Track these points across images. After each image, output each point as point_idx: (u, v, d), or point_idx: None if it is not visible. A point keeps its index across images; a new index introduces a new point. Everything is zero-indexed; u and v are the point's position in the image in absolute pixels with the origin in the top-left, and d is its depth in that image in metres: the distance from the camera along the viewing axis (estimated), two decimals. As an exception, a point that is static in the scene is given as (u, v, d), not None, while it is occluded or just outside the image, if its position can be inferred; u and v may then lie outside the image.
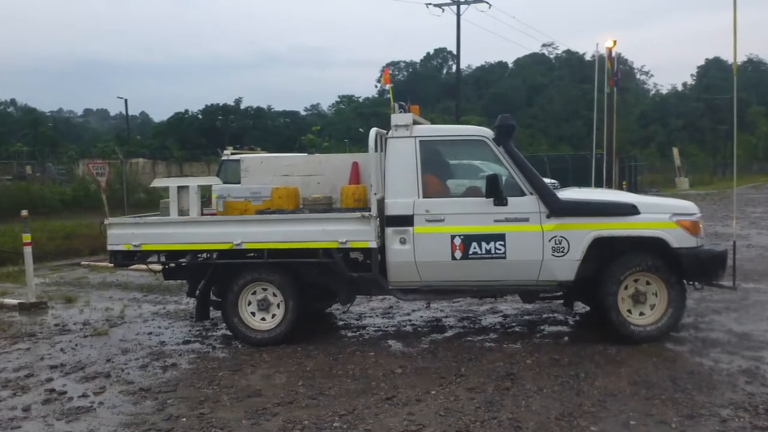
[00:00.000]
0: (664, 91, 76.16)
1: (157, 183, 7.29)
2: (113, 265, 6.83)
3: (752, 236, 13.14)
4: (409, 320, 7.16)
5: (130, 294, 9.25)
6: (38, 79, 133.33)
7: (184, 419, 4.48)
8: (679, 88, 73.62)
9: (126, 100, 50.53)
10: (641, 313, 5.87)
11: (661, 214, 5.88)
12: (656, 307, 5.85)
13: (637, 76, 78.58)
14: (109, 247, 6.37)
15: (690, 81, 73.75)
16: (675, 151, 40.38)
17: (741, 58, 70.98)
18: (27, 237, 8.38)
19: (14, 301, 8.38)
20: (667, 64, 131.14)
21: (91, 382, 5.35)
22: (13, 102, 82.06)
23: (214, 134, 51.32)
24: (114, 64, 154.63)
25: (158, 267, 6.83)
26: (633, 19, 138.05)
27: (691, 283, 6.03)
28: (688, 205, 6.10)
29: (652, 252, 5.84)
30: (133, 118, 71.40)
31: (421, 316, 7.31)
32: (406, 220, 5.93)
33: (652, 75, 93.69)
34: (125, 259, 6.45)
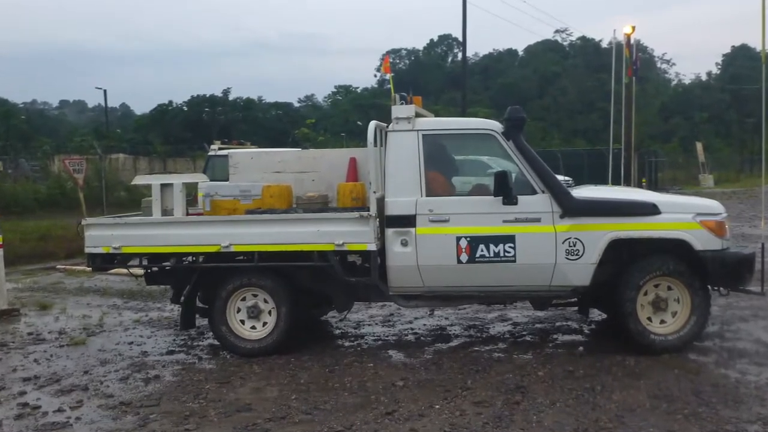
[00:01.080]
0: (687, 81, 76.15)
1: (139, 180, 7.31)
2: (91, 269, 6.87)
3: (782, 238, 13.12)
4: (411, 329, 7.17)
5: (109, 300, 9.26)
6: (9, 67, 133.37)
7: (168, 436, 4.49)
8: (704, 77, 73.59)
9: (105, 91, 50.66)
10: (662, 321, 5.88)
11: (684, 214, 5.88)
12: (678, 315, 5.86)
13: (658, 64, 78.55)
14: (87, 250, 6.38)
15: (715, 70, 73.70)
16: (699, 145, 40.35)
17: (770, 46, 70.92)
18: (-2, 239, 8.39)
19: (-16, 308, 8.38)
20: (691, 52, 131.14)
21: (67, 395, 5.35)
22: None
23: (201, 128, 51.37)
24: (92, 52, 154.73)
25: (140, 271, 6.84)
26: (653, 2, 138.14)
27: (716, 288, 6.03)
28: (712, 205, 6.11)
29: (674, 255, 5.84)
30: (112, 111, 71.49)
31: (424, 325, 7.32)
32: (407, 221, 5.93)
33: (674, 64, 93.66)
34: (104, 262, 6.47)
